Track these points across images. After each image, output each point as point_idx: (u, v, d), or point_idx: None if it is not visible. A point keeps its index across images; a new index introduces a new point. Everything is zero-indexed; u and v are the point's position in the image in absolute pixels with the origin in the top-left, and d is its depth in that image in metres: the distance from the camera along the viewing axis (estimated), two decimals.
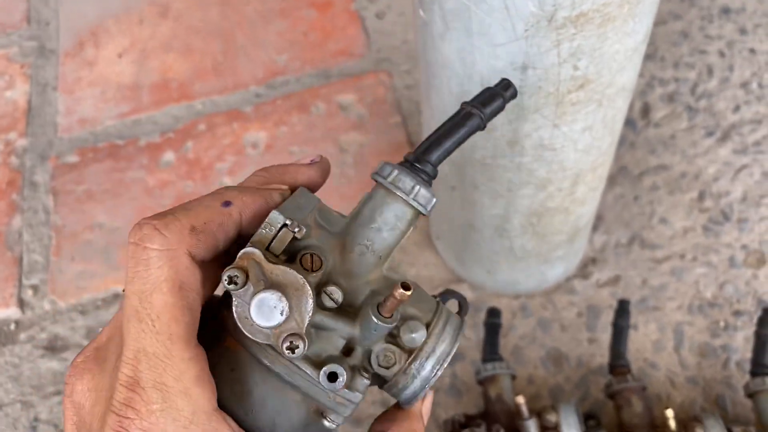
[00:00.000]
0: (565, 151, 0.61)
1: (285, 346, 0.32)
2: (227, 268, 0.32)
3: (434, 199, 0.38)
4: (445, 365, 0.38)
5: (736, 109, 1.00)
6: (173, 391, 0.31)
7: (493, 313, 0.80)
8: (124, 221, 1.01)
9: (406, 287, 0.33)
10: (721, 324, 0.85)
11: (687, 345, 0.84)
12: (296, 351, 0.32)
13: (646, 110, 1.01)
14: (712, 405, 0.80)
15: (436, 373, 0.37)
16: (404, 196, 0.37)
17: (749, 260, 0.89)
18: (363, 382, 0.36)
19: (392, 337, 0.37)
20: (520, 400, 0.69)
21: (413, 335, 0.37)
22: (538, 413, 0.71)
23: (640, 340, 0.85)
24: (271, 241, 0.34)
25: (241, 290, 0.32)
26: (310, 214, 0.36)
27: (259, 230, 0.34)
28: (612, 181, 0.96)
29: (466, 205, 0.74)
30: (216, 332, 0.35)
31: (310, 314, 0.33)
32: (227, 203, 0.34)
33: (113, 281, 0.96)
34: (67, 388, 0.34)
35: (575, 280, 0.89)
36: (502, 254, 0.80)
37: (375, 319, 0.35)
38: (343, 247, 0.37)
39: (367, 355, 0.37)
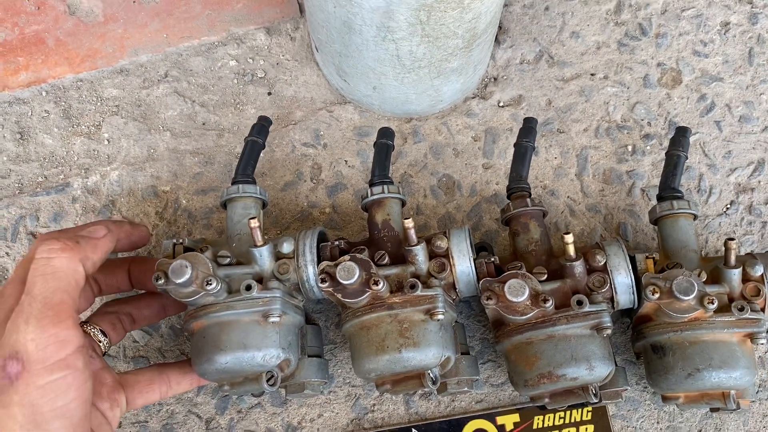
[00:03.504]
0: None
1: (204, 286, 0.56)
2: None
3: (263, 191, 0.66)
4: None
5: None
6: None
7: (385, 133, 0.68)
8: None
9: (252, 218, 0.59)
10: (629, 148, 0.78)
11: (591, 171, 0.77)
12: (210, 286, 0.56)
13: None
14: (613, 233, 0.74)
15: (315, 257, 0.61)
16: (248, 195, 0.64)
17: (664, 79, 0.81)
18: (274, 284, 0.60)
19: (279, 258, 0.61)
20: (409, 224, 0.60)
21: (285, 244, 0.61)
22: (427, 239, 0.62)
23: (541, 166, 0.77)
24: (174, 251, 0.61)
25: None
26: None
27: (162, 252, 0.62)
28: None
29: None
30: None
31: (211, 268, 0.58)
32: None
33: None
34: None
35: (473, 101, 0.79)
36: (389, 63, 0.68)
37: (251, 249, 0.60)
38: (227, 238, 0.63)
39: (273, 274, 0.61)
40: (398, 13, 0.60)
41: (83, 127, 0.78)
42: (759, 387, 0.70)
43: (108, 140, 0.77)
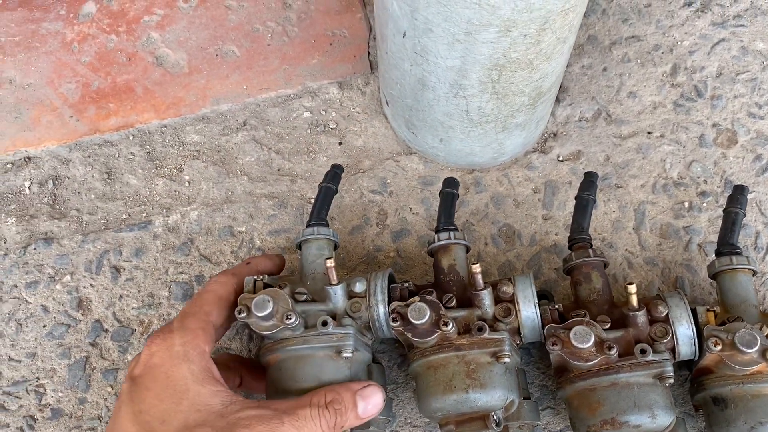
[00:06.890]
0: None
1: (284, 320, 0.60)
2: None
3: (335, 233, 0.70)
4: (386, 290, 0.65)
5: None
6: (185, 332, 0.59)
7: (450, 183, 0.72)
8: (37, 77, 0.89)
9: (328, 258, 0.63)
10: (686, 204, 0.80)
11: (648, 225, 0.79)
12: (290, 320, 0.60)
13: None
14: (670, 287, 0.76)
15: (386, 297, 0.64)
16: (322, 237, 0.68)
17: (720, 139, 0.83)
18: (347, 321, 0.64)
19: (352, 297, 0.65)
20: (476, 269, 0.62)
21: (358, 283, 0.65)
22: (493, 285, 0.65)
23: (599, 219, 0.79)
24: (255, 287, 0.64)
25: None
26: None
27: (244, 287, 0.65)
28: (580, 50, 0.88)
29: (419, 56, 0.65)
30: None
31: (290, 304, 0.61)
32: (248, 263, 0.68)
33: (23, 142, 0.85)
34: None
35: (534, 155, 0.82)
36: (457, 118, 0.72)
37: (325, 286, 0.64)
38: (301, 276, 0.68)
39: (346, 312, 0.64)
40: (471, 72, 0.64)
41: (166, 169, 0.83)
42: None
43: (188, 182, 0.82)
